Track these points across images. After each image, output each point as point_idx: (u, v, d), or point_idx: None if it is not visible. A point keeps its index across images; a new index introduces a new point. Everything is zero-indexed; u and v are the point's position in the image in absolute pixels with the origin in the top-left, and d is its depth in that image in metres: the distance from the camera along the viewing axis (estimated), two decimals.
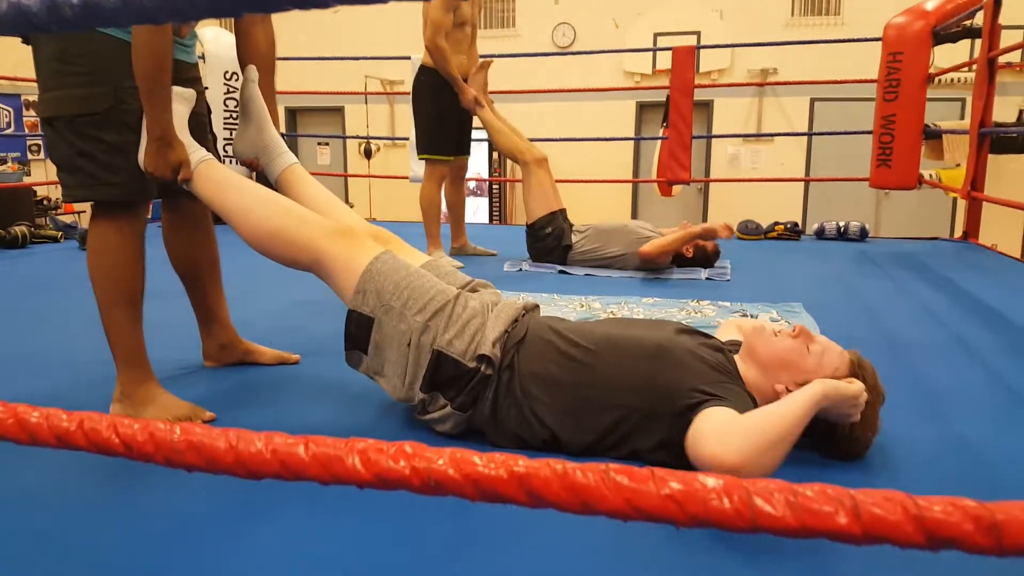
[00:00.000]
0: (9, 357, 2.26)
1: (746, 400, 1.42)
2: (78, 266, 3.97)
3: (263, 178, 1.99)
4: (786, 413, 1.30)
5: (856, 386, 1.39)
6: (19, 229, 4.62)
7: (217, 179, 1.75)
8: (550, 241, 3.82)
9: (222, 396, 1.91)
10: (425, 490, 0.41)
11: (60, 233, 4.92)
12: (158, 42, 1.58)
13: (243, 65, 1.97)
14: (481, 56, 4.08)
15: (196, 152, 1.76)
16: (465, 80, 3.87)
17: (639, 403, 1.44)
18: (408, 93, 4.23)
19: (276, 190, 1.90)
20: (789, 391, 1.44)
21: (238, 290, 2.40)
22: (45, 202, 8.21)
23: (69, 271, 3.85)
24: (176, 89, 1.73)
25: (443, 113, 3.88)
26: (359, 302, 1.59)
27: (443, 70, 3.75)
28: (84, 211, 8.26)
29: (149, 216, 1.85)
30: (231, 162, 4.52)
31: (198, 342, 2.15)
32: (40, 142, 9.03)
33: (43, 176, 8.75)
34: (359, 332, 1.61)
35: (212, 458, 0.45)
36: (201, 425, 0.48)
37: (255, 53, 1.97)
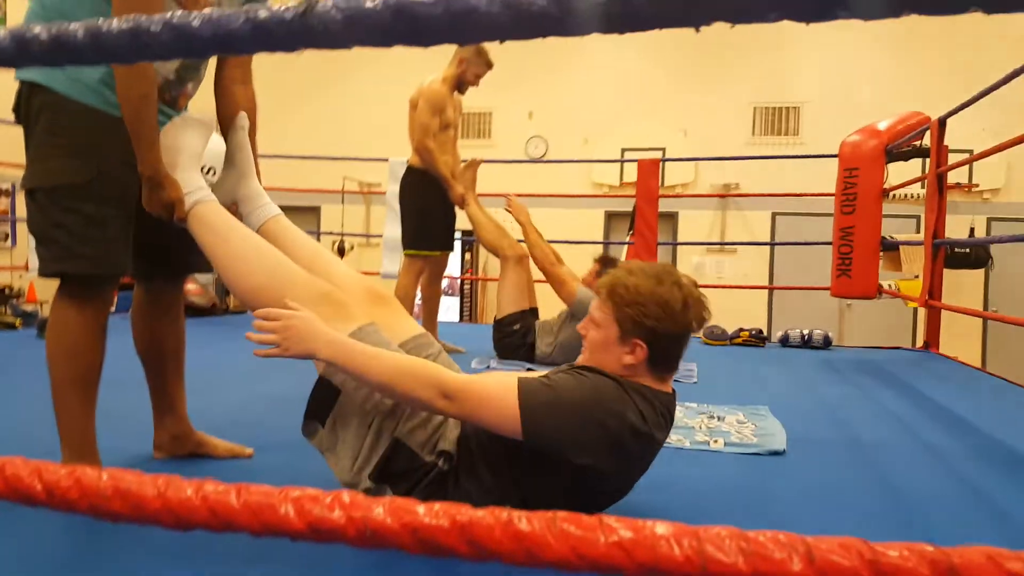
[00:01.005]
0: None
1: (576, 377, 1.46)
2: (32, 353, 3.86)
3: None
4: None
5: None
6: None
7: (213, 223, 1.70)
8: (515, 339, 3.82)
9: None
10: (361, 541, 0.39)
11: (19, 320, 4.82)
12: (137, 84, 1.60)
13: (223, 122, 1.96)
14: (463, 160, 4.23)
15: (195, 192, 1.71)
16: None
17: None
18: (383, 193, 4.31)
19: None
20: (630, 353, 1.46)
21: (199, 380, 2.34)
22: (7, 290, 8.08)
23: (22, 358, 3.74)
24: (189, 116, 1.73)
25: (429, 210, 3.99)
26: (331, 372, 1.52)
27: (432, 169, 3.87)
28: (46, 301, 8.13)
29: (114, 309, 1.82)
30: None
31: (150, 432, 2.07)
32: (8, 230, 8.96)
33: (8, 264, 8.64)
34: (322, 402, 1.54)
35: (139, 504, 0.42)
36: (132, 471, 0.45)
37: (238, 110, 1.96)
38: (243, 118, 1.94)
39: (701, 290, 1.53)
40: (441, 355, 1.74)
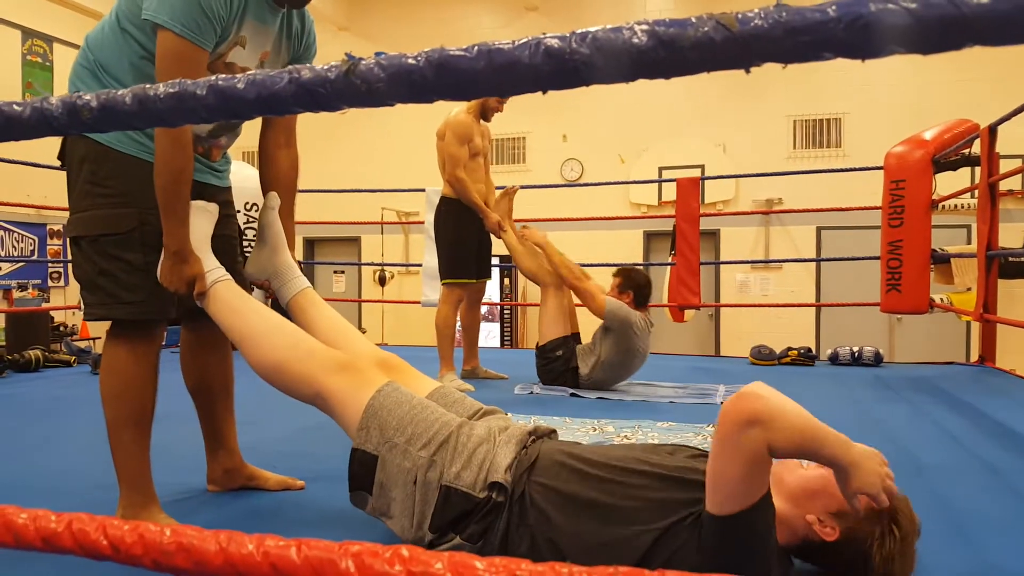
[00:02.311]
0: (10, 482, 2.22)
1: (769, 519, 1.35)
2: (87, 390, 3.98)
3: (276, 303, 2.01)
4: (817, 424, 1.24)
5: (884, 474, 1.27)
6: (33, 353, 4.65)
7: (230, 302, 1.76)
8: (559, 364, 3.81)
9: (224, 522, 1.85)
10: None
11: (73, 358, 4.95)
12: (177, 158, 1.64)
13: (265, 190, 2.01)
14: (497, 187, 4.26)
15: (214, 271, 1.78)
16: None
17: (656, 522, 1.37)
18: (422, 223, 4.36)
19: (288, 314, 1.91)
20: (821, 522, 1.35)
21: (247, 414, 2.38)
22: (62, 328, 8.32)
23: (78, 395, 3.83)
24: (198, 203, 1.77)
25: (464, 239, 4.02)
26: (363, 439, 1.55)
27: (465, 199, 3.91)
28: (99, 337, 8.36)
29: (164, 342, 1.86)
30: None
31: (203, 466, 2.11)
32: (61, 270, 9.25)
33: (62, 303, 8.91)
34: (362, 471, 1.55)
35: (201, 560, 0.43)
36: (193, 527, 0.46)
37: (279, 176, 2.01)
38: (272, 198, 1.98)
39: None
40: (465, 400, 1.77)
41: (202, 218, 1.79)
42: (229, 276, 1.81)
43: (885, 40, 0.38)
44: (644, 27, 0.38)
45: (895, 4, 0.36)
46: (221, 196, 1.95)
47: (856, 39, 0.37)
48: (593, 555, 1.41)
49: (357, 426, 1.56)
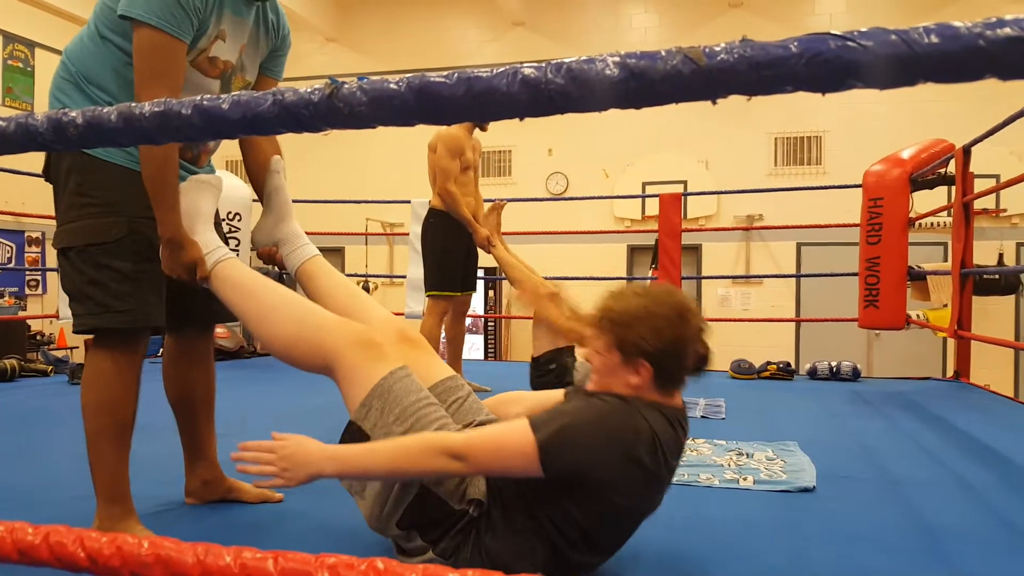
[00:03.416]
0: None
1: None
2: (65, 400, 3.94)
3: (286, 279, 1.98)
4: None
5: None
6: (9, 362, 4.60)
7: (236, 280, 1.72)
8: (551, 377, 3.80)
9: (202, 535, 1.84)
10: None
11: (50, 367, 4.89)
12: (159, 146, 1.63)
13: (252, 170, 2.00)
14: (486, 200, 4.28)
15: (215, 251, 1.74)
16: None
17: None
18: (407, 234, 4.37)
19: (296, 282, 1.89)
20: (636, 375, 1.44)
21: (227, 423, 2.37)
22: (39, 337, 8.22)
23: (55, 405, 3.80)
24: (199, 176, 1.76)
25: (451, 252, 4.03)
26: (362, 415, 1.53)
27: (455, 212, 3.92)
28: (77, 347, 8.27)
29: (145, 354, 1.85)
30: None
31: (182, 478, 2.10)
32: (39, 278, 9.15)
33: (39, 311, 8.81)
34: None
35: (179, 572, 0.43)
36: (171, 539, 0.47)
37: (265, 159, 2.00)
38: (277, 162, 1.98)
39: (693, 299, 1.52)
40: (471, 397, 1.73)
41: (203, 194, 1.78)
42: (233, 255, 1.77)
43: (844, 75, 0.39)
44: (616, 59, 0.40)
45: (853, 42, 0.38)
46: None
47: (816, 74, 0.39)
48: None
49: (360, 402, 1.53)
